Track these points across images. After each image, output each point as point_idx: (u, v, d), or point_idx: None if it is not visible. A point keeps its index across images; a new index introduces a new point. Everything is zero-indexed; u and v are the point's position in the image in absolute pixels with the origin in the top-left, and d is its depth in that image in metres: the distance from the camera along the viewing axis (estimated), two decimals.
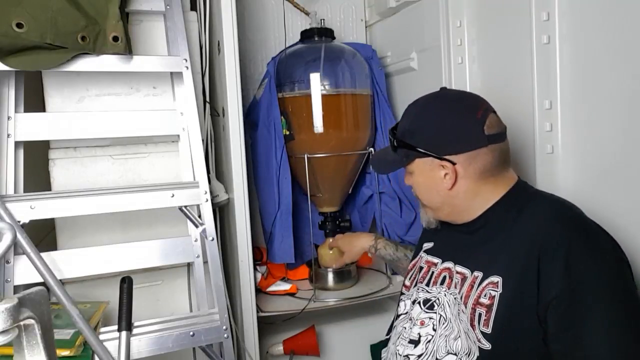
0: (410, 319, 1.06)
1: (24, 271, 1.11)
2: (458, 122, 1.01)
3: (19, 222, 1.11)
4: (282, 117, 1.64)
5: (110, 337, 1.12)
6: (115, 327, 1.13)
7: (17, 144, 1.19)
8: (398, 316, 1.12)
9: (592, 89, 1.08)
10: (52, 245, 1.32)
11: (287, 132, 1.64)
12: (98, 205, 1.19)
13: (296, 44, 1.77)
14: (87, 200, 1.18)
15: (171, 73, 1.34)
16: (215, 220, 1.34)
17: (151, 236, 1.29)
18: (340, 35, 1.95)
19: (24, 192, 1.21)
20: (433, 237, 1.17)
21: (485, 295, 0.93)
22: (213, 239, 1.28)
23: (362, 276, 1.79)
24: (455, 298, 1.00)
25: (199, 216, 1.29)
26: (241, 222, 1.46)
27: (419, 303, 1.06)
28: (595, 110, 1.08)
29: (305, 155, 1.62)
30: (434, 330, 1.00)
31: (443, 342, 0.97)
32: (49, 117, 1.24)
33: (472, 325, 0.93)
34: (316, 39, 1.73)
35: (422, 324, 1.02)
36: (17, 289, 1.12)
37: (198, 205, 1.30)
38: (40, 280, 1.07)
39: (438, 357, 0.96)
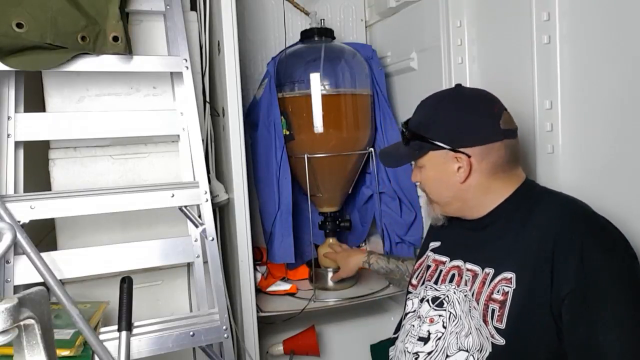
0: (419, 317, 1.06)
1: (24, 271, 1.11)
2: (475, 115, 1.03)
3: (19, 222, 1.11)
4: (282, 117, 1.64)
5: (110, 337, 1.12)
6: (115, 327, 1.13)
7: (17, 144, 1.19)
8: (406, 315, 1.12)
9: (592, 89, 1.08)
10: (52, 245, 1.32)
11: (287, 132, 1.64)
12: (98, 205, 1.19)
13: (296, 44, 1.77)
14: (87, 200, 1.18)
15: (171, 73, 1.34)
16: (215, 220, 1.34)
17: (151, 236, 1.29)
18: (340, 35, 1.95)
19: (24, 192, 1.21)
20: (440, 235, 1.17)
21: (498, 292, 0.94)
22: (213, 239, 1.28)
23: (362, 276, 1.79)
24: (465, 295, 1.00)
25: (199, 216, 1.29)
26: (241, 222, 1.46)
27: (427, 301, 1.07)
28: (595, 110, 1.08)
29: (305, 155, 1.62)
30: (444, 327, 1.00)
31: (454, 339, 0.97)
32: (49, 117, 1.24)
33: (485, 321, 0.94)
34: (316, 39, 1.73)
35: (432, 321, 1.02)
36: (17, 289, 1.12)
37: (198, 205, 1.30)
38: (40, 280, 1.07)
39: (449, 354, 0.96)
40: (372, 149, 1.75)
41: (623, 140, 1.03)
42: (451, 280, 1.05)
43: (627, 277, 0.87)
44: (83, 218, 1.30)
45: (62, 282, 1.14)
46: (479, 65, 1.41)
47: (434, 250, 1.15)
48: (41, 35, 1.12)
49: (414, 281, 1.17)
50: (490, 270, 0.98)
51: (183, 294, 1.48)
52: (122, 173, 1.38)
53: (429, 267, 1.13)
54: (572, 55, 1.12)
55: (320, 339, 1.89)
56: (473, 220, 1.06)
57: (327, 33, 1.74)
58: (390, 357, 1.14)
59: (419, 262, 1.20)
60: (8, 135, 1.17)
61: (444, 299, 1.04)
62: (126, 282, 1.14)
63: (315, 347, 1.82)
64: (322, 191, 1.72)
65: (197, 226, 1.28)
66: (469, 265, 1.03)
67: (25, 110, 1.22)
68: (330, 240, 1.77)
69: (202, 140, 1.37)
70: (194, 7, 1.54)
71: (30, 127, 1.20)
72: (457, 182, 1.03)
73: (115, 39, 1.20)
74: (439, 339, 0.99)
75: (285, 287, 1.71)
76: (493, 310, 0.93)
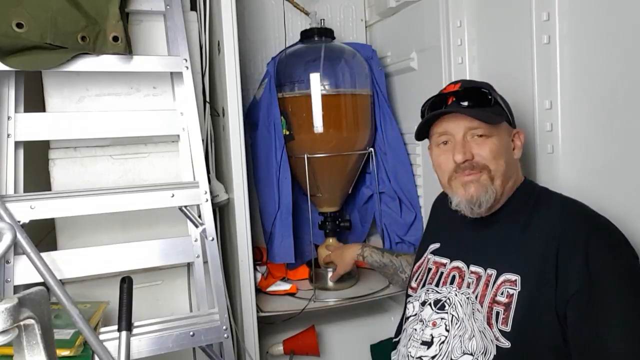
0: (421, 321, 1.05)
1: (24, 271, 1.11)
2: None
3: (19, 222, 1.11)
4: (282, 117, 1.64)
5: (110, 337, 1.12)
6: (115, 327, 1.13)
7: (17, 144, 1.19)
8: (407, 318, 1.11)
9: (592, 89, 1.08)
10: (52, 245, 1.32)
11: (287, 132, 1.64)
12: (98, 205, 1.19)
13: (296, 44, 1.77)
14: (87, 200, 1.18)
15: (171, 73, 1.34)
16: (215, 220, 1.34)
17: (151, 236, 1.29)
18: (340, 35, 1.95)
19: (24, 192, 1.21)
20: (439, 237, 1.16)
21: (502, 294, 0.94)
22: (213, 239, 1.28)
23: (362, 276, 1.79)
24: (468, 298, 0.99)
25: (199, 216, 1.29)
26: (241, 222, 1.46)
27: (429, 304, 1.06)
28: (595, 110, 1.08)
29: (305, 155, 1.62)
30: (447, 330, 0.99)
31: (458, 343, 0.96)
32: (49, 117, 1.24)
33: (490, 324, 0.93)
34: (316, 39, 1.73)
35: (434, 324, 1.02)
36: (17, 289, 1.12)
37: (198, 205, 1.30)
38: (40, 280, 1.07)
39: (453, 358, 0.96)
40: (372, 149, 1.75)
41: (623, 140, 1.03)
42: (452, 282, 1.05)
43: (630, 277, 0.87)
44: (83, 218, 1.30)
45: (62, 282, 1.14)
46: (479, 65, 1.41)
47: (434, 252, 1.15)
48: (41, 35, 1.12)
49: (413, 284, 1.16)
50: (492, 272, 0.98)
51: (183, 294, 1.48)
52: (122, 173, 1.38)
53: (429, 269, 1.13)
54: (572, 55, 1.12)
55: (320, 339, 1.89)
56: (476, 220, 1.05)
57: (327, 33, 1.74)
58: None
59: (417, 264, 1.19)
60: (8, 135, 1.17)
61: (445, 301, 1.03)
62: (126, 282, 1.14)
63: (315, 347, 1.82)
64: (322, 191, 1.72)
65: (197, 226, 1.28)
66: (473, 268, 1.02)
67: (25, 110, 1.22)
68: (330, 240, 1.77)
69: (202, 140, 1.37)
70: (194, 7, 1.54)
71: (30, 127, 1.20)
72: (512, 157, 1.05)
73: (115, 39, 1.20)
74: (443, 342, 0.98)
75: (285, 287, 1.71)
76: (497, 313, 0.93)
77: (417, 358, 1.01)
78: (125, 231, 1.37)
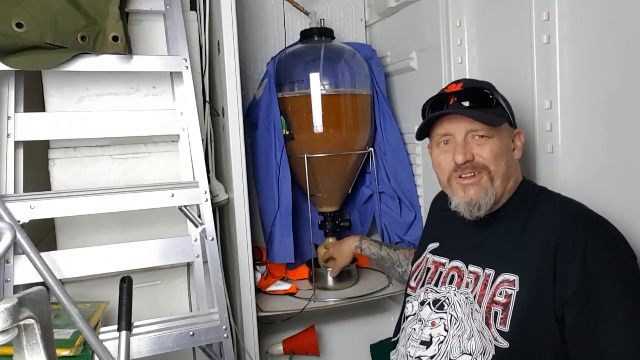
0: (421, 321, 1.05)
1: (24, 271, 1.11)
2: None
3: (19, 222, 1.11)
4: (282, 117, 1.64)
5: (110, 337, 1.12)
6: (115, 327, 1.13)
7: (17, 144, 1.19)
8: (406, 318, 1.11)
9: (592, 89, 1.08)
10: (52, 245, 1.32)
11: (287, 132, 1.64)
12: (98, 205, 1.19)
13: (296, 44, 1.77)
14: (87, 200, 1.18)
15: (171, 73, 1.34)
16: (215, 220, 1.34)
17: (151, 236, 1.29)
18: (340, 35, 1.95)
19: (24, 192, 1.21)
20: (438, 237, 1.16)
21: (501, 294, 0.94)
22: (213, 239, 1.28)
23: (362, 276, 1.79)
24: (467, 298, 0.99)
25: (199, 216, 1.29)
26: (241, 222, 1.46)
27: (429, 304, 1.06)
28: (595, 110, 1.08)
29: (305, 155, 1.62)
30: (446, 330, 0.99)
31: (457, 343, 0.96)
32: (49, 117, 1.24)
33: (488, 325, 0.93)
34: (316, 39, 1.73)
35: (433, 324, 1.02)
36: (17, 289, 1.12)
37: (198, 205, 1.30)
38: (40, 280, 1.07)
39: (452, 358, 0.96)
40: (372, 149, 1.75)
41: (623, 140, 1.03)
42: (451, 282, 1.05)
43: (629, 278, 0.87)
44: (83, 218, 1.30)
45: (62, 282, 1.14)
46: (479, 65, 1.41)
47: (433, 252, 1.15)
48: (41, 35, 1.12)
49: (412, 283, 1.16)
50: (490, 272, 0.98)
51: (183, 294, 1.48)
52: (122, 173, 1.38)
53: (429, 269, 1.13)
54: (572, 55, 1.12)
55: (320, 339, 1.89)
56: (476, 220, 1.05)
57: (327, 33, 1.74)
58: None
59: (417, 263, 1.19)
60: (8, 135, 1.18)
61: (444, 301, 1.03)
62: (126, 282, 1.14)
63: (315, 347, 1.82)
64: (322, 191, 1.72)
65: (197, 226, 1.28)
66: (472, 268, 1.02)
67: (25, 110, 1.22)
68: (330, 240, 1.77)
69: (202, 140, 1.37)
70: (194, 7, 1.54)
71: (30, 127, 1.20)
72: (513, 158, 1.05)
73: (115, 39, 1.20)
74: (442, 342, 0.98)
75: (285, 287, 1.71)
76: (496, 313, 0.93)
77: (416, 358, 1.01)
78: (125, 231, 1.37)
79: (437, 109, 1.04)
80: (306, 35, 1.74)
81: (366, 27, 2.02)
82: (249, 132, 1.68)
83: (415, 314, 1.08)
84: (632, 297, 0.86)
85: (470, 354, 0.94)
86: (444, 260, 1.10)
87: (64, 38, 1.15)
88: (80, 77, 1.32)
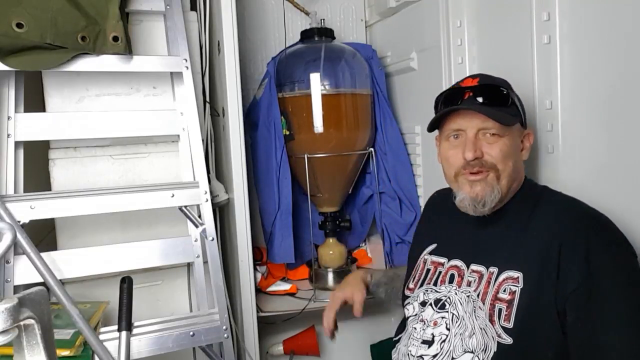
0: (422, 321, 1.05)
1: (24, 271, 1.11)
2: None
3: (19, 222, 1.11)
4: (282, 117, 1.64)
5: (110, 337, 1.12)
6: (115, 327, 1.13)
7: (17, 144, 1.19)
8: (407, 319, 1.11)
9: (592, 89, 1.08)
10: (52, 245, 1.32)
11: (287, 132, 1.64)
12: (98, 205, 1.19)
13: (296, 44, 1.77)
14: (87, 200, 1.18)
15: (171, 73, 1.34)
16: (215, 220, 1.34)
17: (151, 236, 1.29)
18: (340, 35, 1.95)
19: (24, 192, 1.21)
20: (436, 237, 1.16)
21: (504, 291, 0.95)
22: (213, 239, 1.28)
23: None
24: (468, 296, 1.00)
25: (199, 216, 1.29)
26: (241, 222, 1.46)
27: (430, 304, 1.05)
28: (595, 110, 1.08)
29: (305, 155, 1.62)
30: (448, 329, 0.99)
31: (459, 341, 0.96)
32: (49, 117, 1.24)
33: (492, 321, 0.94)
34: (316, 39, 1.73)
35: (435, 324, 1.02)
36: (17, 289, 1.12)
37: (198, 205, 1.30)
38: (40, 280, 1.07)
39: (454, 357, 0.96)
40: (372, 149, 1.75)
41: (623, 140, 1.02)
42: (451, 281, 1.05)
43: (629, 275, 0.88)
44: (83, 218, 1.30)
45: (62, 282, 1.14)
46: (479, 65, 1.41)
47: (431, 253, 1.14)
48: (41, 35, 1.12)
49: (410, 285, 1.15)
50: (494, 270, 0.98)
51: (183, 294, 1.48)
52: (122, 173, 1.38)
53: (428, 270, 1.12)
54: (572, 55, 1.12)
55: (320, 339, 1.89)
56: (478, 218, 1.05)
57: (327, 33, 1.74)
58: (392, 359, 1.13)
59: (414, 264, 1.18)
60: (8, 135, 1.18)
61: (445, 300, 1.03)
62: (126, 282, 1.14)
63: (315, 347, 1.82)
64: (322, 191, 1.72)
65: (197, 226, 1.28)
66: (474, 267, 1.02)
67: (25, 110, 1.22)
68: (330, 240, 1.77)
69: (202, 140, 1.37)
70: (194, 7, 1.54)
71: (30, 127, 1.20)
72: (520, 158, 1.05)
73: (115, 39, 1.20)
74: (444, 341, 0.98)
75: (285, 287, 1.71)
76: (500, 310, 0.94)
77: (417, 357, 1.01)
78: (125, 231, 1.37)
79: (451, 103, 1.03)
80: (306, 35, 1.74)
81: (366, 27, 2.02)
82: (249, 132, 1.68)
83: (416, 314, 1.08)
84: (633, 294, 0.87)
85: (471, 352, 0.94)
86: (442, 259, 1.10)
87: (64, 38, 1.14)
88: (80, 77, 1.32)
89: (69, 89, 1.32)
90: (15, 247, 1.10)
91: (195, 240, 1.29)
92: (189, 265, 1.46)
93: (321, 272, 1.73)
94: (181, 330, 1.18)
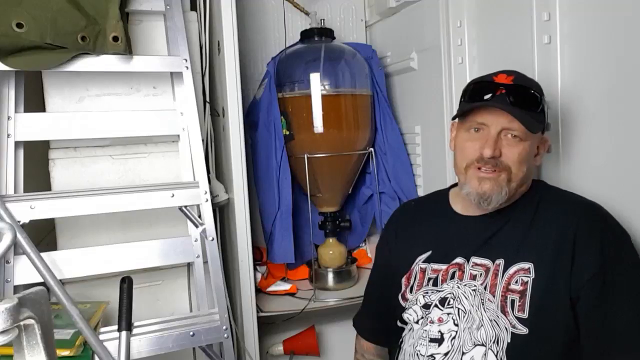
0: (432, 322, 1.02)
1: (24, 271, 1.11)
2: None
3: (19, 222, 1.11)
4: (282, 117, 1.64)
5: (110, 337, 1.12)
6: (115, 327, 1.13)
7: (17, 144, 1.19)
8: (410, 326, 1.07)
9: (592, 89, 1.08)
10: (52, 245, 1.32)
11: (287, 132, 1.64)
12: (98, 205, 1.19)
13: (296, 44, 1.77)
14: (87, 200, 1.18)
15: (171, 73, 1.34)
16: (215, 220, 1.34)
17: (151, 236, 1.29)
18: (340, 35, 1.94)
19: (24, 192, 1.20)
20: (428, 245, 1.11)
21: (516, 282, 0.96)
22: (213, 239, 1.28)
23: (362, 276, 1.79)
24: (474, 290, 1.00)
25: (199, 216, 1.29)
26: (241, 222, 1.46)
27: (435, 305, 1.03)
28: (595, 110, 1.08)
29: (305, 155, 1.62)
30: (456, 325, 0.99)
31: (468, 335, 0.97)
32: (49, 117, 1.24)
33: (505, 312, 0.95)
34: (316, 39, 1.73)
35: (440, 321, 1.01)
36: (17, 289, 1.12)
37: (198, 205, 1.30)
38: (40, 280, 1.07)
39: (465, 351, 0.96)
40: (372, 149, 1.75)
41: (623, 140, 1.03)
42: (452, 277, 1.04)
43: (637, 265, 0.94)
44: (83, 218, 1.30)
45: (62, 282, 1.14)
46: (479, 65, 1.41)
47: (427, 261, 1.10)
48: (41, 35, 1.12)
49: (408, 295, 1.09)
50: (500, 261, 0.99)
51: (183, 294, 1.48)
52: (122, 173, 1.38)
53: (430, 279, 1.07)
54: (572, 55, 1.12)
55: (320, 339, 1.89)
56: (483, 217, 1.06)
57: (327, 33, 1.74)
58: None
59: (406, 275, 1.11)
60: (8, 135, 1.17)
61: (450, 297, 1.02)
62: (126, 282, 1.14)
63: (315, 347, 1.82)
64: (322, 191, 1.72)
65: (197, 226, 1.28)
66: (477, 260, 1.02)
67: (25, 110, 1.22)
68: (330, 240, 1.77)
69: (202, 140, 1.37)
70: (194, 7, 1.54)
71: (30, 127, 1.20)
72: (533, 164, 1.05)
73: (115, 39, 1.20)
74: (454, 337, 0.98)
75: (285, 287, 1.71)
76: (513, 301, 0.95)
77: (428, 356, 0.99)
78: (125, 231, 1.37)
79: (482, 94, 1.02)
80: (306, 35, 1.74)
81: (366, 27, 2.02)
82: (249, 132, 1.68)
83: (423, 318, 1.04)
84: None
85: (482, 344, 0.94)
86: (443, 266, 1.06)
87: (64, 38, 1.14)
88: (80, 77, 1.32)
89: (69, 89, 1.32)
90: (15, 247, 1.10)
91: (195, 240, 1.29)
92: (189, 265, 1.46)
93: (321, 272, 1.73)
94: (181, 330, 1.18)
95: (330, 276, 1.72)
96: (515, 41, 1.25)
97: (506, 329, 0.94)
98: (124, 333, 1.12)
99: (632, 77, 0.99)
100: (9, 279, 1.11)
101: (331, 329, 1.95)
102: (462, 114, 1.05)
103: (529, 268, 0.96)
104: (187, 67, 1.30)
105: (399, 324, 1.10)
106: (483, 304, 0.97)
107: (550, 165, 1.19)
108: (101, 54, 1.21)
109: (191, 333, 1.19)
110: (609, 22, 1.03)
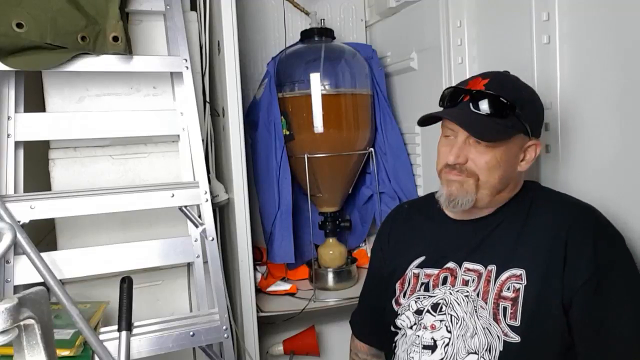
0: (425, 328, 1.01)
1: (24, 271, 1.11)
2: (542, 107, 1.05)
3: (19, 222, 1.11)
4: (282, 117, 1.64)
5: (110, 337, 1.12)
6: (115, 327, 1.13)
7: (17, 144, 1.19)
8: (403, 332, 1.06)
9: (592, 89, 1.08)
10: (52, 245, 1.32)
11: (287, 132, 1.64)
12: (98, 205, 1.19)
13: (296, 44, 1.77)
14: (87, 200, 1.18)
15: (171, 73, 1.34)
16: (215, 220, 1.34)
17: (151, 236, 1.29)
18: (340, 35, 1.95)
19: (24, 192, 1.21)
20: (421, 249, 1.10)
21: (508, 289, 0.94)
22: (213, 239, 1.28)
23: (362, 276, 1.78)
24: (466, 296, 0.98)
25: (199, 216, 1.29)
26: (241, 222, 1.46)
27: (428, 311, 1.02)
28: (595, 110, 1.08)
29: (305, 155, 1.62)
30: (449, 332, 0.98)
31: (462, 343, 0.95)
32: (49, 117, 1.24)
33: (497, 320, 0.93)
34: (316, 39, 1.73)
35: (433, 327, 1.00)
36: (17, 289, 1.12)
37: (198, 205, 1.30)
38: (40, 280, 1.07)
39: (459, 359, 0.95)
40: (372, 149, 1.75)
41: (623, 140, 1.03)
42: (444, 283, 1.03)
43: (631, 268, 0.92)
44: (83, 218, 1.30)
45: (62, 282, 1.14)
46: (479, 65, 1.41)
47: (420, 266, 1.09)
48: (41, 35, 1.12)
49: (401, 300, 1.09)
50: (492, 267, 0.98)
51: (183, 294, 1.48)
52: (122, 173, 1.38)
53: (423, 284, 1.07)
54: (572, 55, 1.12)
55: (320, 339, 1.89)
56: (475, 221, 1.04)
57: (327, 33, 1.74)
58: None
59: (400, 281, 1.11)
60: (8, 135, 1.18)
61: (442, 303, 1.01)
62: (126, 282, 1.14)
63: (315, 347, 1.83)
64: (322, 191, 1.72)
65: (197, 226, 1.28)
66: (469, 265, 1.01)
67: (25, 110, 1.22)
68: (330, 240, 1.77)
69: (202, 140, 1.37)
70: (194, 7, 1.54)
71: (30, 127, 1.20)
72: (515, 169, 1.01)
73: (115, 39, 1.20)
74: (447, 345, 0.97)
75: (285, 287, 1.71)
76: (505, 308, 0.93)
77: None
78: (125, 231, 1.37)
79: (451, 101, 1.02)
80: (306, 35, 1.74)
81: (366, 27, 2.02)
82: (249, 132, 1.68)
83: (416, 324, 1.04)
84: (635, 285, 0.91)
85: (475, 352, 0.93)
86: (435, 271, 1.06)
87: (64, 38, 1.15)
88: (80, 77, 1.32)
89: (69, 89, 1.32)
90: (15, 247, 1.10)
91: (195, 240, 1.29)
92: (189, 265, 1.46)
93: (321, 272, 1.73)
94: (181, 330, 1.18)
95: (330, 276, 1.72)
96: (515, 41, 1.25)
97: (498, 337, 0.92)
98: (124, 333, 1.12)
99: (632, 77, 0.99)
100: (9, 279, 1.11)
101: (331, 329, 1.95)
102: (430, 122, 1.05)
103: (520, 275, 0.94)
104: (187, 67, 1.31)
105: (392, 328, 1.09)
106: (476, 311, 0.96)
107: (549, 166, 1.19)
108: (101, 54, 1.21)
109: (191, 333, 1.19)
110: (609, 22, 1.03)
